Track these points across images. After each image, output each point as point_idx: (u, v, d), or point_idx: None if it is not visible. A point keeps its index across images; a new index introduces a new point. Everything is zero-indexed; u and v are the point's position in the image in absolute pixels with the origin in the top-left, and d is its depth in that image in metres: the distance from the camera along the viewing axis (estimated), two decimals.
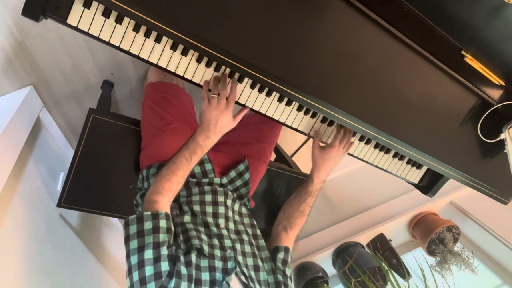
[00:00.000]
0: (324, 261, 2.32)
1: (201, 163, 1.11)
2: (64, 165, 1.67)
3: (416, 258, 2.23)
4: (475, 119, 1.16)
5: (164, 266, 0.75)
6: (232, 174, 1.16)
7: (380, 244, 2.40)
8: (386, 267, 2.03)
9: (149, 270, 0.75)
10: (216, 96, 0.95)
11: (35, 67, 1.47)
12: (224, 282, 0.80)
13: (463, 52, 1.03)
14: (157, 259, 0.76)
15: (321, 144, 1.15)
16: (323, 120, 1.14)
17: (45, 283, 1.20)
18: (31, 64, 1.46)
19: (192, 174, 1.09)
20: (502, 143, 1.18)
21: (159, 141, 1.11)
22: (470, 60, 1.04)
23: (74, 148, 1.74)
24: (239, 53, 0.84)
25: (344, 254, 2.25)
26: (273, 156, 1.41)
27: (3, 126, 1.21)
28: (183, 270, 0.77)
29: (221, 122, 0.98)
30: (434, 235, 2.39)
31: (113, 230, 1.97)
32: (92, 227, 1.78)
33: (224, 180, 1.14)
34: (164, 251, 0.78)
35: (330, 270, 2.34)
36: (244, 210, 1.10)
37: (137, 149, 1.21)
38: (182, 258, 0.79)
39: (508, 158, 1.18)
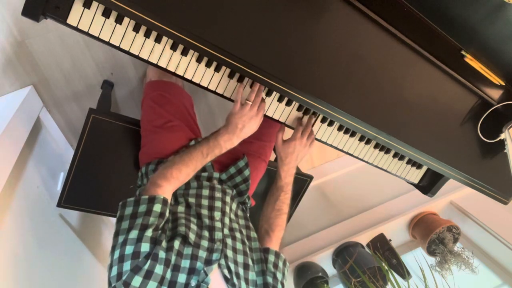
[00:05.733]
0: (324, 261, 2.31)
1: None
2: (64, 165, 1.67)
3: (416, 258, 2.23)
4: (475, 119, 1.16)
5: (145, 247, 0.76)
6: (232, 170, 1.15)
7: (380, 244, 2.39)
8: (386, 267, 2.03)
9: (129, 249, 0.76)
10: (250, 102, 0.97)
11: (35, 67, 1.47)
12: (202, 271, 0.78)
13: (463, 52, 1.03)
14: (139, 239, 0.77)
15: (285, 138, 1.13)
16: (323, 120, 1.14)
17: (45, 283, 1.20)
18: (31, 64, 1.46)
19: None
20: (502, 143, 1.18)
21: (158, 139, 1.11)
22: (470, 60, 1.04)
23: (74, 148, 1.74)
24: (239, 53, 0.84)
25: (344, 254, 2.25)
26: (272, 156, 1.41)
27: (3, 126, 1.21)
28: (162, 254, 0.77)
29: (247, 128, 1.00)
30: (434, 235, 2.39)
31: (113, 230, 1.96)
32: (92, 227, 1.78)
33: (224, 176, 1.13)
34: (148, 232, 0.78)
35: (330, 270, 2.33)
36: (240, 212, 1.10)
37: (137, 149, 1.21)
38: (164, 243, 0.79)
39: (508, 158, 1.18)
